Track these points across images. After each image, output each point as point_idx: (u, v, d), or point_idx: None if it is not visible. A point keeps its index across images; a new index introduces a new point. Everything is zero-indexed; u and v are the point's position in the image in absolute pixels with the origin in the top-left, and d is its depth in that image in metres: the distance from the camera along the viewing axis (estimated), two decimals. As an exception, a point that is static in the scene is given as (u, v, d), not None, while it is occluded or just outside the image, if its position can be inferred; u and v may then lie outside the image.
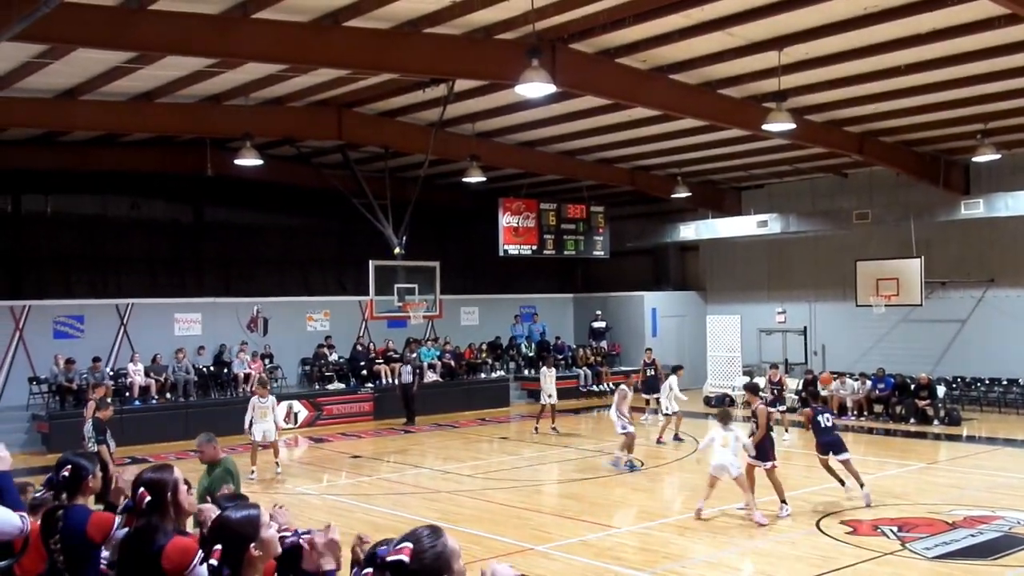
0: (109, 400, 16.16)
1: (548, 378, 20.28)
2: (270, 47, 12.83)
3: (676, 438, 18.36)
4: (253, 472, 15.52)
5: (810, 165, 23.69)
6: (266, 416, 16.04)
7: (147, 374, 20.87)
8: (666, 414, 18.45)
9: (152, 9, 11.57)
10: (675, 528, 11.67)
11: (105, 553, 4.69)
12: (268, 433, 16.01)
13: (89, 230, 22.89)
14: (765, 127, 14.98)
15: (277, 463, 16.22)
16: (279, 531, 3.75)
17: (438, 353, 25.21)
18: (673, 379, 18.65)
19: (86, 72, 14.78)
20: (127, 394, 20.40)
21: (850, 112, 18.08)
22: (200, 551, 4.11)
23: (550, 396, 20.20)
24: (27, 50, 13.13)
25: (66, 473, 4.90)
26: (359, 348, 24.57)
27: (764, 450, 12.22)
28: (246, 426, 16.18)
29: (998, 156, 18.95)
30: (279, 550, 3.68)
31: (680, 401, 18.51)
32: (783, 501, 12.12)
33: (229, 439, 19.99)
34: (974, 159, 19.59)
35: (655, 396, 20.49)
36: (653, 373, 21.13)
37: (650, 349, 22.74)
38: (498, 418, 23.65)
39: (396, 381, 23.25)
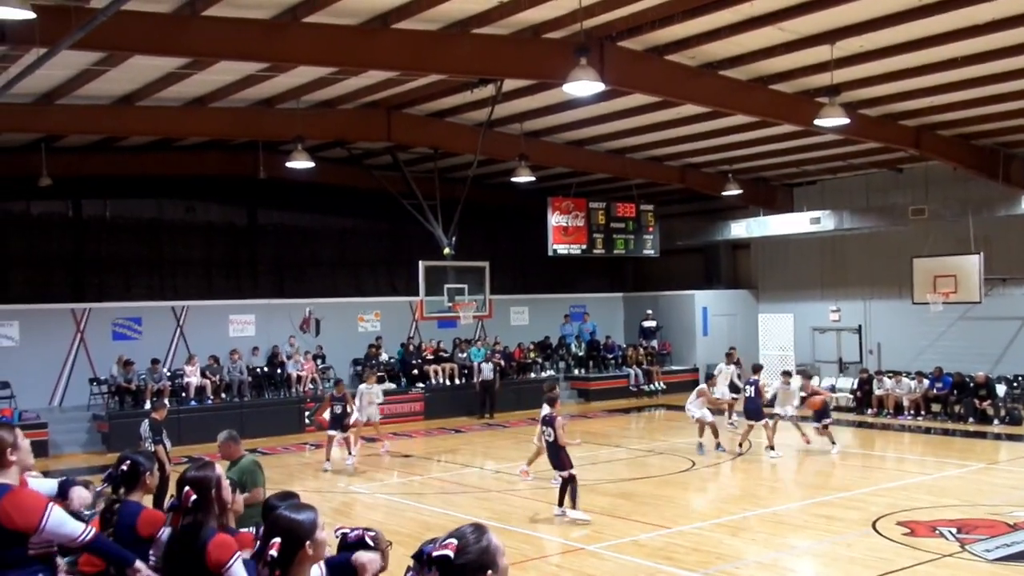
0: (166, 401, 16.51)
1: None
2: (320, 51, 12.98)
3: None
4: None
5: (864, 160, 23.27)
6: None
7: (203, 375, 21.26)
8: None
9: (205, 15, 11.77)
10: (728, 529, 11.56)
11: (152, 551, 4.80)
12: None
13: (146, 234, 23.36)
14: (818, 122, 14.73)
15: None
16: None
17: (486, 353, 25.27)
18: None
19: (142, 78, 15.07)
20: (183, 394, 20.81)
21: (906, 106, 17.72)
22: (239, 550, 4.19)
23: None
24: (85, 58, 13.45)
25: (125, 467, 5.04)
26: (410, 348, 24.73)
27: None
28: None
29: (1061, 149, 18.46)
30: (326, 553, 3.75)
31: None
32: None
33: (283, 438, 20.38)
34: (1035, 152, 19.08)
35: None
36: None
37: (734, 349, 22.53)
38: (548, 418, 23.57)
39: (477, 379, 24.02)
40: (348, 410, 16.63)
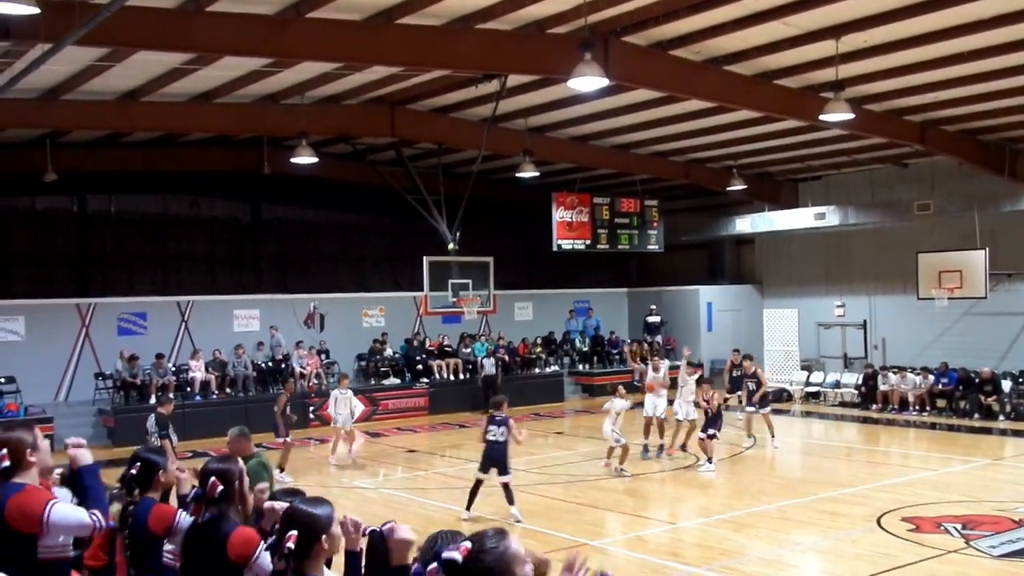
0: (171, 396, 16.56)
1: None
2: (324, 46, 12.96)
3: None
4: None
5: (869, 156, 23.23)
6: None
7: (207, 370, 21.30)
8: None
9: (209, 11, 11.77)
10: (732, 525, 11.56)
11: (169, 547, 4.79)
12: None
13: (151, 229, 23.39)
14: (823, 118, 14.71)
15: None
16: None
17: (490, 347, 25.25)
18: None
19: (146, 74, 15.08)
20: (188, 389, 20.85)
21: (911, 101, 17.67)
22: (263, 542, 4.20)
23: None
24: (90, 53, 13.45)
25: (136, 469, 5.02)
26: (414, 344, 24.75)
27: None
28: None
29: (1066, 144, 18.40)
30: (341, 548, 3.76)
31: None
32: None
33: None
34: (1041, 147, 19.01)
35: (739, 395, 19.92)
36: (739, 374, 19.64)
37: (737, 351, 21.83)
38: (552, 413, 23.65)
39: (479, 373, 24.00)
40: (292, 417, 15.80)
